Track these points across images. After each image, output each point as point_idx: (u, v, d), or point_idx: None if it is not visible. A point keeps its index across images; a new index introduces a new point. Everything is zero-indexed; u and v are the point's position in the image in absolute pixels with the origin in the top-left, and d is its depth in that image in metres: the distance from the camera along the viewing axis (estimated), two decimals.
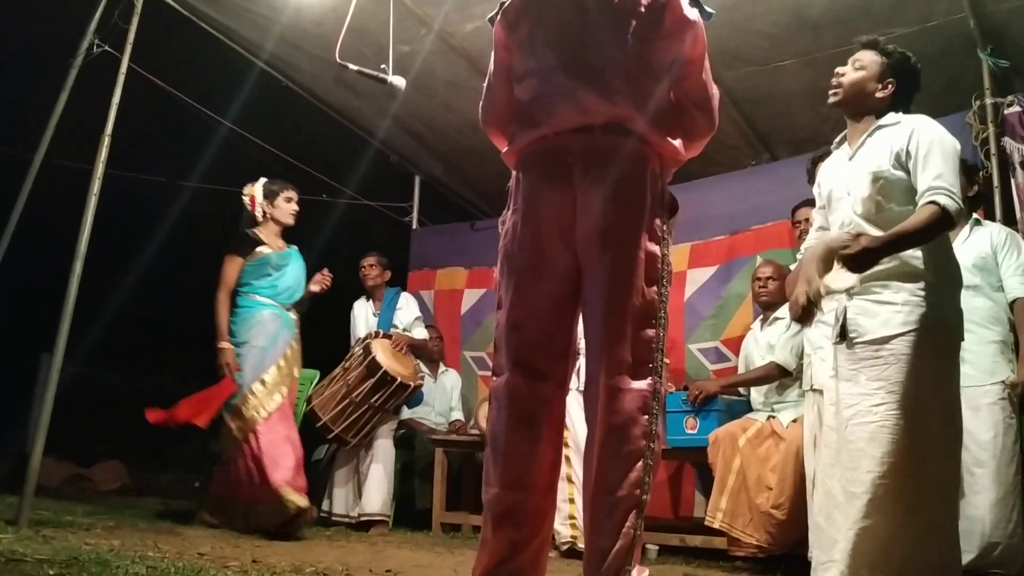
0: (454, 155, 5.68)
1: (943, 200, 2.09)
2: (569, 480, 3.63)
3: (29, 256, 4.73)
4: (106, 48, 3.74)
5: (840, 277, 2.08)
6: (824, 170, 2.49)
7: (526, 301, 1.88)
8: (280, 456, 3.70)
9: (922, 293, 2.13)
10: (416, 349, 4.86)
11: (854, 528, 2.06)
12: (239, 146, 5.12)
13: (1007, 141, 3.65)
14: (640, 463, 1.74)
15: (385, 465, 4.54)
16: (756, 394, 3.80)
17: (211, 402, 3.73)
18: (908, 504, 2.03)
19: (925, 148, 2.17)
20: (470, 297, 5.77)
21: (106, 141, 3.54)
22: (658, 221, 1.86)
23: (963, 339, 2.22)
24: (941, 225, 2.11)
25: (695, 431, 3.77)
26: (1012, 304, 3.03)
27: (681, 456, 4.08)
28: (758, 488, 3.33)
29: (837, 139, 2.47)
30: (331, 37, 3.56)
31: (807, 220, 3.38)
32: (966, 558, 2.57)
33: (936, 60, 3.75)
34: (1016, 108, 3.66)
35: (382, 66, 3.50)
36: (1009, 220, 3.50)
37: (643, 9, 1.88)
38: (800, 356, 3.46)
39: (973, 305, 2.79)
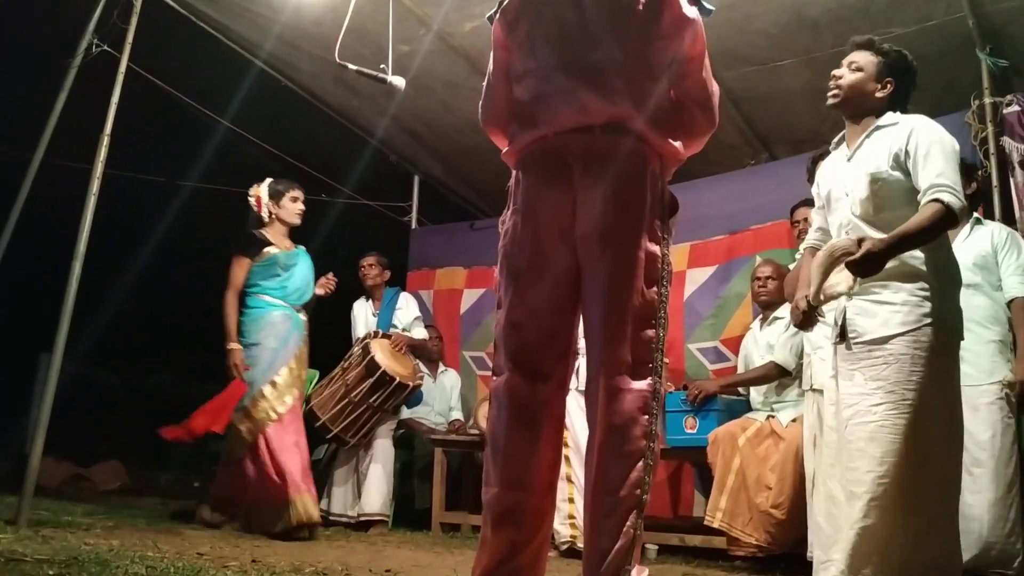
0: (453, 155, 5.68)
1: (946, 197, 2.09)
2: (568, 480, 3.63)
3: (28, 256, 4.73)
4: (105, 48, 3.73)
5: (840, 282, 2.08)
6: (823, 170, 2.49)
7: (526, 301, 1.88)
8: (289, 461, 3.70)
9: (921, 293, 2.13)
10: (415, 349, 4.86)
11: (854, 528, 2.06)
12: (238, 146, 5.12)
13: (1006, 140, 3.65)
14: (640, 463, 1.74)
15: (384, 465, 4.54)
16: (755, 394, 3.81)
17: (224, 407, 3.73)
18: (908, 504, 2.04)
19: (925, 147, 2.18)
20: (469, 297, 5.77)
21: (105, 141, 3.54)
22: (658, 221, 1.86)
23: (963, 339, 2.23)
24: (945, 223, 2.11)
25: (694, 431, 3.77)
26: (1011, 303, 3.03)
27: (680, 456, 4.08)
28: (757, 488, 3.33)
29: (836, 139, 2.47)
30: (330, 37, 3.56)
31: (806, 220, 3.38)
32: (964, 557, 2.57)
33: (935, 60, 3.76)
34: (1015, 107, 3.66)
35: (381, 66, 3.49)
36: (1008, 219, 3.50)
37: (642, 7, 1.87)
38: (799, 356, 3.46)
39: (973, 304, 2.79)
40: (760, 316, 3.93)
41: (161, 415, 4.03)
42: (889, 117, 2.30)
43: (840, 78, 2.34)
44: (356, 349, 4.50)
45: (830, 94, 2.35)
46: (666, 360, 1.90)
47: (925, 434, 2.06)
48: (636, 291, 1.80)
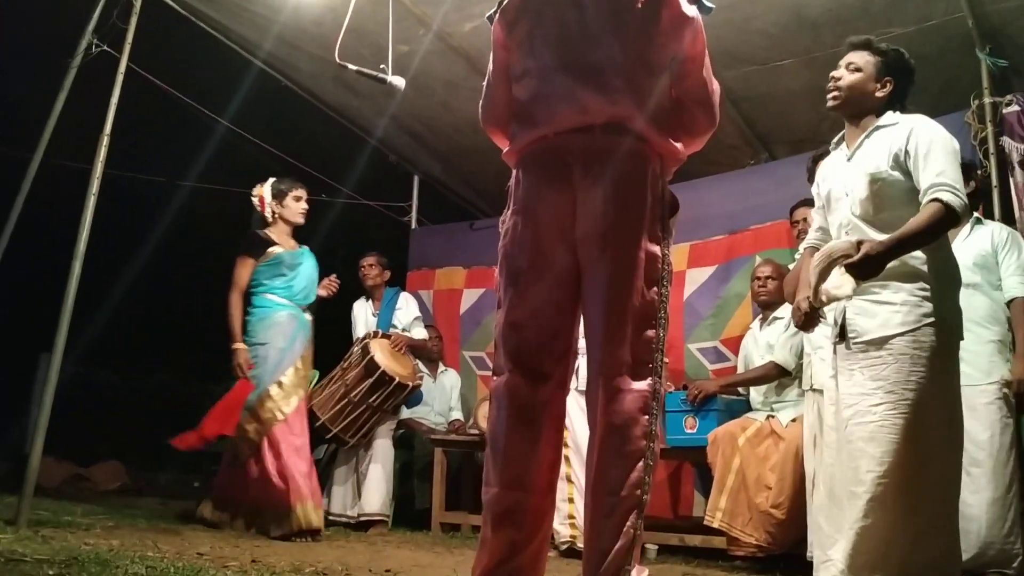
0: (453, 154, 5.68)
1: (946, 197, 2.09)
2: (568, 479, 3.63)
3: (28, 256, 4.73)
4: (105, 48, 3.73)
5: (842, 284, 2.08)
6: (823, 170, 2.49)
7: (526, 301, 1.88)
8: (295, 464, 3.70)
9: (921, 293, 2.13)
10: (415, 349, 4.86)
11: (854, 527, 2.06)
12: (238, 146, 5.12)
13: (1005, 140, 3.65)
14: (641, 463, 1.74)
15: (384, 465, 4.54)
16: (755, 393, 3.81)
17: (232, 408, 3.73)
18: (908, 504, 2.04)
19: (925, 147, 2.18)
20: (469, 297, 5.77)
21: (105, 141, 3.53)
22: (659, 221, 1.86)
23: (962, 339, 2.23)
24: (946, 222, 2.11)
25: (694, 431, 3.77)
26: (1011, 303, 3.03)
27: (680, 455, 4.08)
28: (757, 487, 3.33)
29: (835, 139, 2.47)
30: (330, 37, 3.56)
31: (805, 220, 3.39)
32: (963, 557, 2.57)
33: (934, 60, 3.76)
34: (1014, 107, 3.66)
35: (381, 66, 3.49)
36: (1008, 219, 3.50)
37: (641, 6, 1.87)
38: (799, 356, 3.46)
39: (972, 303, 2.79)
40: (760, 316, 3.93)
41: (161, 415, 4.04)
42: (889, 117, 2.30)
43: (839, 79, 2.34)
44: (356, 349, 4.50)
45: (830, 96, 2.35)
46: (666, 360, 1.90)
47: (925, 434, 2.06)
48: (636, 291, 1.80)
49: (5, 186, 3.86)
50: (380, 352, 4.37)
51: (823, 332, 2.61)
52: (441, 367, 5.38)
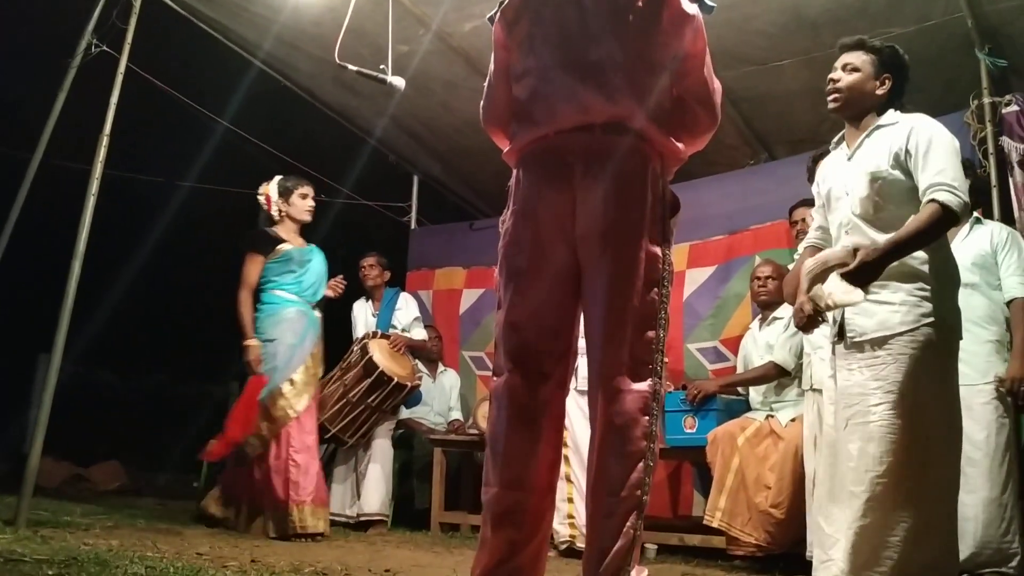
0: (452, 155, 5.68)
1: (943, 197, 2.08)
2: (568, 480, 3.63)
3: (28, 256, 4.72)
4: (104, 48, 3.73)
5: (852, 292, 2.06)
6: (823, 170, 2.49)
7: (526, 301, 1.88)
8: (305, 466, 3.70)
9: (920, 293, 2.13)
10: (415, 349, 4.86)
11: (853, 527, 2.06)
12: (237, 146, 5.12)
13: (1005, 140, 3.65)
14: (641, 464, 1.74)
15: (383, 465, 4.54)
16: (755, 393, 3.81)
17: (251, 407, 3.74)
18: (907, 503, 2.04)
19: (925, 146, 2.17)
20: (469, 297, 5.77)
21: (104, 141, 3.54)
22: (659, 221, 1.85)
23: (961, 338, 2.22)
24: (944, 222, 2.11)
25: (694, 430, 3.77)
26: (1010, 303, 3.03)
27: (680, 455, 4.09)
28: (757, 487, 3.34)
29: (835, 139, 2.47)
30: (329, 37, 3.56)
31: (804, 220, 3.39)
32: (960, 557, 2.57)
33: (934, 60, 3.76)
34: (1014, 107, 3.65)
35: (381, 66, 3.49)
36: (1007, 219, 3.50)
37: (641, 4, 1.87)
38: (799, 356, 3.47)
39: (971, 303, 2.78)
40: (759, 316, 3.93)
41: (160, 415, 4.04)
42: (890, 116, 2.30)
43: (838, 81, 2.33)
44: (355, 349, 4.50)
45: (830, 99, 2.34)
46: (666, 360, 1.90)
47: (924, 434, 2.06)
48: (636, 292, 1.79)
49: (5, 186, 3.86)
50: (379, 352, 4.37)
51: (822, 332, 2.61)
52: (440, 367, 5.38)
